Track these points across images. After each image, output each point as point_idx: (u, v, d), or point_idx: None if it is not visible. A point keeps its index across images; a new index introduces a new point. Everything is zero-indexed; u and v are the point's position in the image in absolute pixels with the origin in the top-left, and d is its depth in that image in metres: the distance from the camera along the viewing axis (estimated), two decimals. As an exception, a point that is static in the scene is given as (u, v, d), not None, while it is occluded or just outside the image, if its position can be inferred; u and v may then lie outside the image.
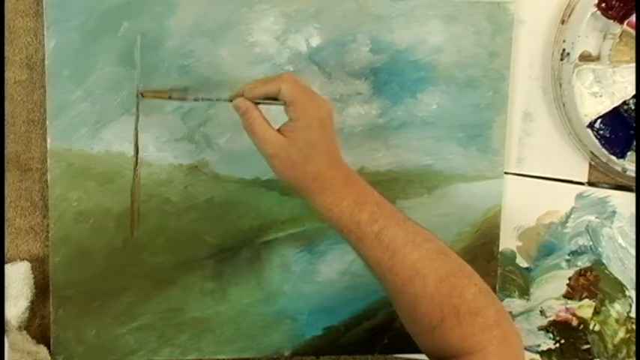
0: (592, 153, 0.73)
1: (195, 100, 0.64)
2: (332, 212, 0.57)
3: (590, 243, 0.76)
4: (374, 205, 0.58)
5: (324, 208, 0.58)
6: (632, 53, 0.71)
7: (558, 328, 0.77)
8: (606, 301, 0.77)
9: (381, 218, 0.57)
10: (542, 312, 0.77)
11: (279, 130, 0.57)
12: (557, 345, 0.78)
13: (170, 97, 0.66)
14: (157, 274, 0.70)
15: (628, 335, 0.78)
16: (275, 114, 0.59)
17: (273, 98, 0.58)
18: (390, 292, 0.58)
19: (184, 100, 0.66)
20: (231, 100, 0.60)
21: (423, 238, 0.58)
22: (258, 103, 0.59)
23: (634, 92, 0.72)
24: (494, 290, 0.75)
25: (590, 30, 0.71)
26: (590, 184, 0.75)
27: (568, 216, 0.75)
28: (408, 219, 0.59)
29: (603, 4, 0.69)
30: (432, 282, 0.55)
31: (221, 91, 0.65)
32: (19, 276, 0.67)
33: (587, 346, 0.78)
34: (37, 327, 0.70)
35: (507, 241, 0.75)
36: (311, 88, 0.59)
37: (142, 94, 0.67)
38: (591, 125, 0.72)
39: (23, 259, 0.68)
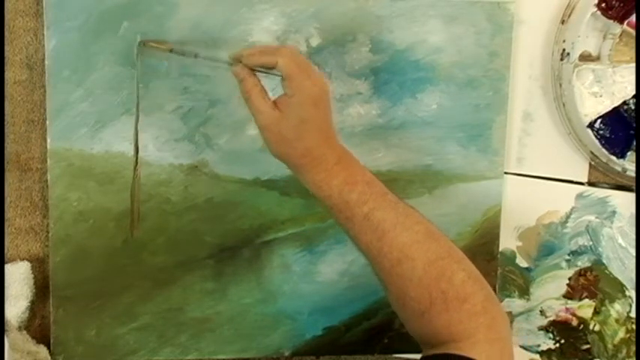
0: (592, 153, 0.73)
1: (195, 57, 0.64)
2: (321, 190, 0.57)
3: (590, 243, 0.76)
4: (364, 185, 0.57)
5: (313, 185, 0.57)
6: (632, 53, 0.71)
7: (558, 328, 0.77)
8: (606, 301, 0.77)
9: (371, 199, 0.56)
10: (542, 312, 0.77)
11: (274, 102, 0.57)
12: (557, 345, 0.78)
13: (171, 51, 0.65)
14: (157, 274, 0.70)
15: (628, 335, 0.78)
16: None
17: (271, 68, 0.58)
18: (380, 274, 0.57)
19: (183, 55, 0.65)
20: (230, 64, 0.59)
21: (414, 221, 0.57)
22: (257, 71, 0.58)
23: (634, 92, 0.72)
24: (494, 290, 0.75)
25: (590, 30, 0.71)
26: (590, 184, 0.75)
27: (568, 216, 0.75)
28: (399, 201, 0.58)
29: (603, 4, 0.69)
30: (421, 265, 0.55)
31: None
32: (19, 276, 0.67)
33: (587, 346, 0.78)
34: (37, 327, 0.70)
35: (507, 241, 0.75)
36: (310, 63, 0.58)
37: (143, 43, 0.66)
38: (591, 125, 0.72)
39: (23, 259, 0.68)
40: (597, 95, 0.72)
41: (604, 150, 0.72)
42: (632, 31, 0.70)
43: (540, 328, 0.77)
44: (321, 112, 0.57)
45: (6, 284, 0.65)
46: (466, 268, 0.56)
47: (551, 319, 0.77)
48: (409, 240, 0.56)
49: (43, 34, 0.66)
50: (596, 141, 0.72)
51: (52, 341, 0.69)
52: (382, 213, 0.56)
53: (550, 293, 0.77)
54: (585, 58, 0.72)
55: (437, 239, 0.57)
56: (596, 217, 0.76)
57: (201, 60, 0.64)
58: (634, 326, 0.77)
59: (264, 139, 0.58)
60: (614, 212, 0.76)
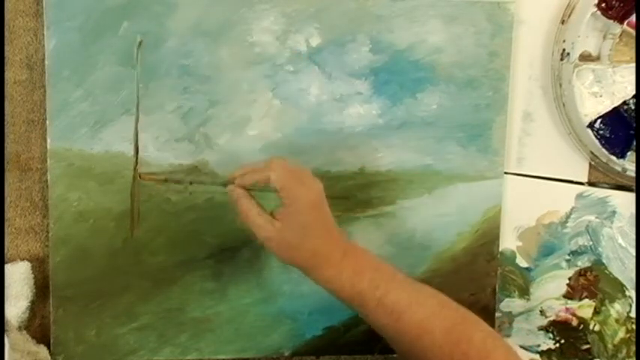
0: (592, 153, 0.73)
1: (191, 183, 0.67)
2: (333, 284, 0.59)
3: (590, 243, 0.76)
4: (373, 272, 0.59)
5: (324, 282, 0.59)
6: (632, 53, 0.71)
7: (558, 328, 0.77)
8: (606, 301, 0.77)
9: (382, 283, 0.58)
10: (542, 312, 0.77)
11: (272, 214, 0.59)
12: (557, 345, 0.78)
13: (166, 180, 0.67)
14: (157, 274, 0.70)
15: (628, 335, 0.78)
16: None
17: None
18: (399, 350, 0.59)
19: (180, 183, 0.68)
20: (224, 185, 0.62)
21: (426, 295, 0.59)
22: (252, 190, 0.60)
23: (634, 92, 0.72)
24: (494, 290, 0.75)
25: (590, 30, 0.71)
26: (590, 184, 0.75)
27: (568, 216, 0.75)
28: (407, 278, 0.60)
29: (603, 4, 0.69)
30: (439, 335, 0.56)
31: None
32: (19, 276, 0.67)
33: (587, 346, 0.78)
34: (37, 327, 0.70)
35: (507, 241, 0.75)
36: (300, 168, 0.60)
37: (139, 176, 0.68)
38: (591, 125, 0.72)
39: (23, 259, 0.68)
40: (597, 95, 0.72)
41: (604, 150, 0.72)
42: (632, 31, 0.70)
43: (540, 328, 0.77)
44: (320, 213, 0.59)
45: (6, 284, 0.65)
46: (483, 329, 0.58)
47: (551, 319, 0.77)
48: (425, 315, 0.57)
49: (43, 34, 0.66)
50: (596, 141, 0.72)
51: (52, 341, 0.69)
52: (395, 295, 0.57)
53: (550, 293, 0.77)
54: (585, 58, 0.72)
55: (451, 307, 0.59)
56: (596, 217, 0.76)
57: (195, 185, 0.67)
58: (634, 326, 0.77)
59: (269, 249, 0.59)
60: (614, 212, 0.76)
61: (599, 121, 0.72)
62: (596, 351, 0.78)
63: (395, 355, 0.75)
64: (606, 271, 0.77)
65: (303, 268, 0.59)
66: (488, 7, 0.71)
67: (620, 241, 0.76)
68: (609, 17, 0.70)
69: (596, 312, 0.77)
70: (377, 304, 0.57)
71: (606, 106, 0.72)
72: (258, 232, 0.59)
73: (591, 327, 0.78)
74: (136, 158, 0.68)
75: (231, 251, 0.70)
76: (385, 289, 0.58)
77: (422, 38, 0.70)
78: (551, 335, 0.77)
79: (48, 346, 0.68)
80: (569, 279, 0.76)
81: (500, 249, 0.75)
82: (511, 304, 0.76)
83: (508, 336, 0.77)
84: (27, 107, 0.68)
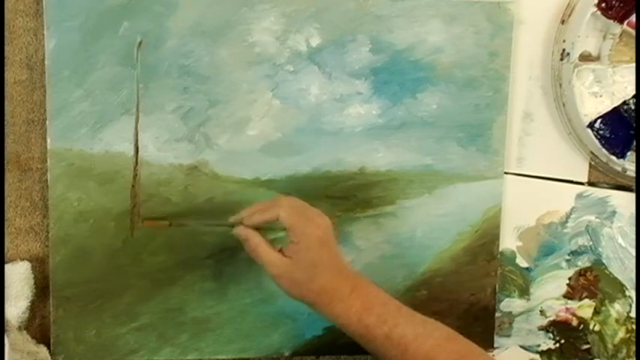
0: (592, 153, 0.73)
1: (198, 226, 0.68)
2: (341, 319, 0.60)
3: (590, 243, 0.76)
4: (381, 307, 0.60)
5: (333, 317, 0.60)
6: (632, 53, 0.71)
7: (558, 328, 0.77)
8: (606, 301, 0.77)
9: (389, 318, 0.59)
10: (542, 312, 0.77)
11: (281, 251, 0.60)
12: (557, 345, 0.78)
13: (170, 225, 0.67)
14: (157, 274, 0.70)
15: (628, 335, 0.78)
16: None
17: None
18: None
19: (184, 227, 0.68)
20: (232, 226, 0.63)
21: (432, 328, 0.60)
22: (260, 228, 0.62)
23: (634, 92, 0.72)
24: (494, 290, 0.75)
25: (590, 30, 0.71)
26: (590, 184, 0.75)
27: (568, 216, 0.75)
28: (414, 312, 0.60)
29: (603, 4, 0.69)
30: None
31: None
32: (19, 276, 0.67)
33: (587, 346, 0.78)
34: (37, 327, 0.70)
35: (507, 241, 0.75)
36: (307, 205, 0.61)
37: (142, 221, 0.68)
38: (591, 125, 0.72)
39: (23, 259, 0.68)
40: (597, 95, 0.72)
41: (604, 150, 0.72)
42: (632, 31, 0.70)
43: (540, 328, 0.77)
44: (329, 250, 0.60)
45: (6, 284, 0.65)
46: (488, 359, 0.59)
47: (551, 319, 0.77)
48: (431, 347, 0.58)
49: (43, 34, 0.66)
50: (596, 141, 0.72)
51: (52, 341, 0.69)
52: (402, 329, 0.59)
53: (550, 293, 0.77)
54: (585, 58, 0.72)
55: (456, 340, 0.60)
56: (596, 217, 0.76)
57: (202, 227, 0.68)
58: (634, 326, 0.77)
59: (279, 286, 0.60)
60: (614, 212, 0.76)
61: (599, 121, 0.72)
62: (596, 351, 0.78)
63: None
64: (606, 271, 0.77)
65: (312, 305, 0.60)
66: (488, 7, 0.71)
67: (620, 241, 0.76)
68: (609, 17, 0.70)
69: (596, 312, 0.77)
70: (384, 338, 0.58)
71: (606, 106, 0.72)
72: (267, 269, 0.60)
73: (591, 327, 0.78)
74: (136, 158, 0.68)
75: (231, 251, 0.70)
76: (393, 323, 0.59)
77: (422, 38, 0.70)
78: (551, 335, 0.77)
79: (48, 346, 0.68)
80: (569, 279, 0.76)
81: (500, 249, 0.75)
82: (511, 304, 0.76)
83: (508, 336, 0.77)
84: (27, 107, 0.68)
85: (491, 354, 0.75)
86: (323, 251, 0.60)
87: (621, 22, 0.70)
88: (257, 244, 0.61)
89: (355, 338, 0.60)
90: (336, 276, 0.60)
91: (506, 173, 0.74)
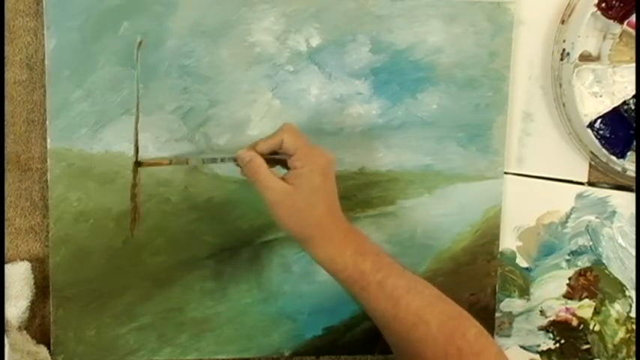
0: (592, 153, 0.73)
1: (204, 162, 0.67)
2: (336, 263, 0.58)
3: (590, 243, 0.76)
4: (374, 256, 0.59)
5: (327, 258, 0.58)
6: (632, 53, 0.71)
7: (558, 328, 0.77)
8: (606, 301, 0.77)
9: (383, 267, 0.58)
10: (542, 312, 0.77)
11: (282, 179, 0.58)
12: (557, 345, 0.78)
13: (170, 163, 0.67)
14: (157, 274, 0.70)
15: (628, 335, 0.78)
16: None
17: (275, 153, 0.60)
18: (395, 340, 0.59)
19: (186, 164, 0.67)
20: (234, 160, 0.61)
21: (424, 285, 0.59)
22: (265, 159, 0.60)
23: (634, 92, 0.72)
24: (494, 290, 0.75)
25: (590, 30, 0.71)
26: (590, 184, 0.75)
27: (568, 216, 0.75)
28: (406, 268, 0.60)
29: (603, 4, 0.69)
30: (435, 326, 0.56)
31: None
32: (19, 276, 0.67)
33: (587, 346, 0.78)
34: (37, 327, 0.70)
35: (507, 241, 0.75)
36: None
37: (140, 164, 0.67)
38: (591, 125, 0.72)
39: (23, 259, 0.68)
40: (597, 95, 0.72)
41: (604, 150, 0.72)
42: (632, 31, 0.70)
43: (540, 328, 0.77)
44: (329, 182, 0.59)
45: (6, 284, 0.65)
46: (477, 325, 0.58)
47: (551, 319, 0.77)
48: (422, 304, 0.57)
49: (43, 34, 0.66)
50: (596, 141, 0.72)
51: (52, 341, 0.69)
52: (394, 280, 0.58)
53: (550, 293, 0.77)
54: (585, 58, 0.72)
55: (446, 301, 0.59)
56: (596, 217, 0.76)
57: (202, 162, 0.67)
58: (634, 326, 0.77)
59: (276, 215, 0.58)
60: (614, 212, 0.76)
61: (599, 121, 0.72)
62: (596, 351, 0.78)
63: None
64: (606, 271, 0.77)
65: (307, 240, 0.59)
66: (488, 7, 0.71)
67: (620, 241, 0.76)
68: (609, 17, 0.70)
69: (596, 312, 0.77)
70: (377, 287, 0.57)
71: (606, 106, 0.72)
72: (266, 194, 0.58)
73: (591, 327, 0.78)
74: (136, 158, 0.68)
75: (231, 251, 0.70)
76: (386, 272, 0.58)
77: (422, 38, 0.70)
78: (551, 335, 0.77)
79: (48, 346, 0.68)
80: (569, 279, 0.76)
81: (500, 249, 0.75)
82: (511, 304, 0.76)
83: (508, 336, 0.77)
84: (27, 107, 0.68)
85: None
86: (325, 180, 0.58)
87: (621, 22, 0.70)
88: (259, 165, 0.59)
89: (347, 286, 0.59)
90: (332, 214, 0.59)
91: (506, 173, 0.74)
